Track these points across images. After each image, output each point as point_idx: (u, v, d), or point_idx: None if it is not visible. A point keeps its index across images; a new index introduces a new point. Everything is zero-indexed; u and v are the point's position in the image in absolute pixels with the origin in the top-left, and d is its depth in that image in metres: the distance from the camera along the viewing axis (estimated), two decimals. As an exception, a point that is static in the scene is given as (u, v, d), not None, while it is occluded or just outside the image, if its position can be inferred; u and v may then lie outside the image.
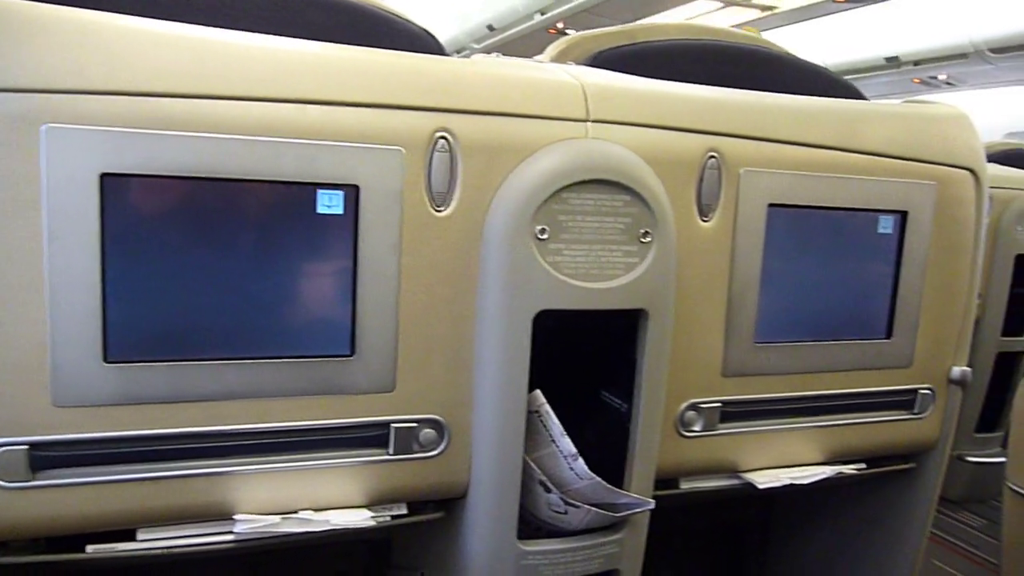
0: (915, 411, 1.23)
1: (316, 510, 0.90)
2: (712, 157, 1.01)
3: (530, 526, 0.99)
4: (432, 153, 0.87)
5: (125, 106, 0.76)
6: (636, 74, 1.06)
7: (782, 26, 5.59)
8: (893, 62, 5.41)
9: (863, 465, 1.24)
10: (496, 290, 0.89)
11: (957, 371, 1.23)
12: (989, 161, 2.82)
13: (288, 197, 0.84)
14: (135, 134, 0.76)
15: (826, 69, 1.34)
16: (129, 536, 0.86)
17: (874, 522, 1.39)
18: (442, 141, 0.87)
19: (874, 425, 1.21)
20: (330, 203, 0.85)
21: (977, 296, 2.52)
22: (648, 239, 0.92)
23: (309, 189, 0.83)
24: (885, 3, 5.26)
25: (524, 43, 5.78)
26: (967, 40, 4.86)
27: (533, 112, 0.92)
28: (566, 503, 0.94)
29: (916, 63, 5.30)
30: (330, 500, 0.91)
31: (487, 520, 0.95)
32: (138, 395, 0.81)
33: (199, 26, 0.82)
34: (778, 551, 1.60)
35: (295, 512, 0.89)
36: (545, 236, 0.88)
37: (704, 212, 1.02)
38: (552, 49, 1.25)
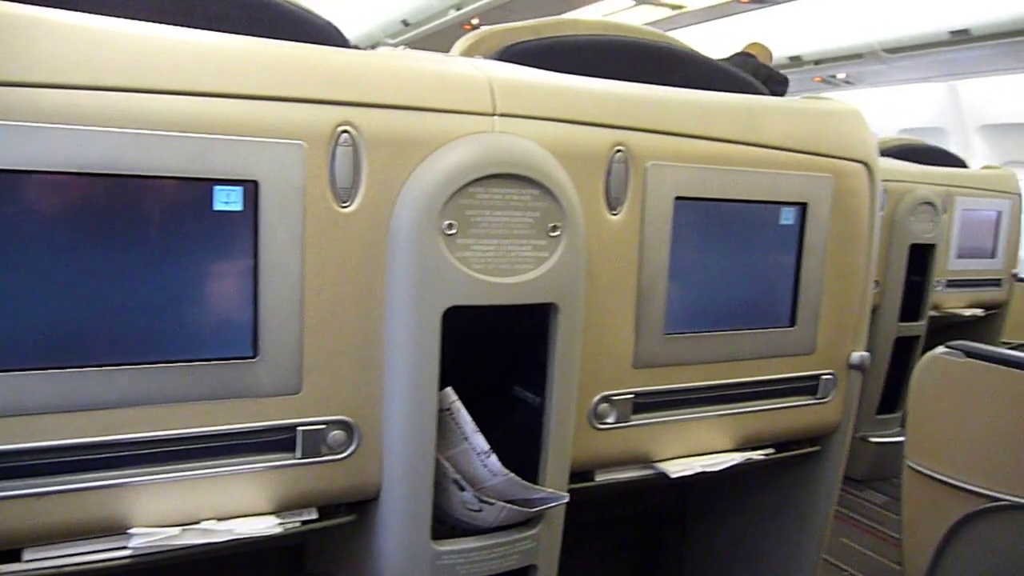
0: (819, 396, 1.27)
1: (220, 519, 0.87)
2: (619, 151, 1.02)
3: (445, 525, 0.97)
4: (335, 147, 0.85)
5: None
6: (545, 69, 1.06)
7: (690, 25, 5.72)
8: (796, 61, 5.62)
9: (771, 450, 1.27)
10: (404, 287, 0.87)
11: (856, 356, 1.28)
12: (884, 156, 2.97)
13: (183, 194, 0.80)
14: (12, 127, 0.71)
15: (728, 66, 1.37)
16: (14, 557, 0.80)
17: (783, 503, 1.44)
18: (345, 135, 0.85)
19: (781, 411, 1.25)
20: (228, 199, 0.81)
21: (875, 284, 2.65)
22: (557, 233, 0.92)
23: (205, 185, 0.80)
24: (788, 5, 5.46)
25: (439, 39, 5.74)
26: (863, 41, 5.09)
27: (439, 106, 0.91)
28: (480, 500, 0.93)
29: (817, 62, 5.52)
30: (235, 508, 0.87)
31: (400, 521, 0.94)
32: (22, 405, 0.76)
33: (86, 14, 0.78)
34: (694, 536, 1.64)
35: (198, 523, 0.85)
36: (453, 231, 0.87)
37: (612, 206, 1.03)
38: (461, 43, 1.24)
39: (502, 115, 0.94)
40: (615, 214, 1.03)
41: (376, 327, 0.89)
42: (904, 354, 2.69)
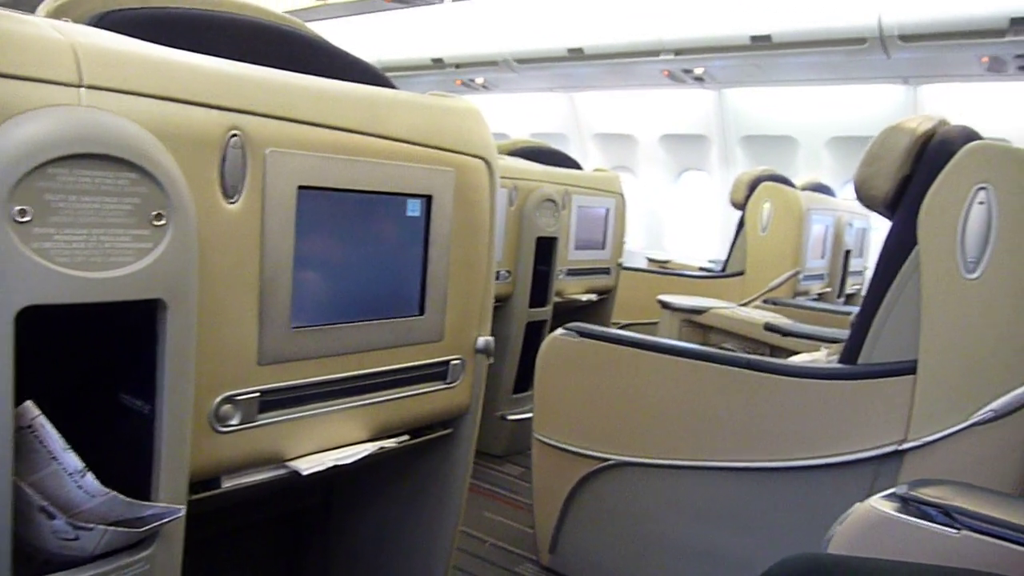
0: (448, 381, 1.33)
1: None
2: (235, 135, 0.95)
3: (35, 561, 0.84)
4: None
5: None
6: (152, 42, 0.95)
7: (334, 18, 5.71)
8: (438, 63, 5.90)
9: (406, 437, 1.30)
10: None
11: (481, 341, 1.36)
12: (515, 155, 3.21)
13: None
14: None
15: (359, 58, 1.37)
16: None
17: (422, 486, 1.48)
18: None
19: (414, 398, 1.28)
20: None
21: (508, 273, 2.86)
22: (163, 222, 0.84)
23: None
24: (431, 8, 5.70)
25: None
26: (497, 50, 5.51)
27: (6, 70, 0.77)
28: (75, 527, 0.81)
29: (457, 66, 5.85)
30: None
31: (-28, 564, 0.78)
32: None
33: None
34: (339, 531, 1.63)
35: None
36: (27, 219, 0.74)
37: (229, 194, 0.96)
38: (47, 5, 1.07)
39: (90, 87, 0.82)
40: (232, 203, 0.97)
41: None
42: (534, 337, 2.94)
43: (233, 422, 1.01)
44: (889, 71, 4.50)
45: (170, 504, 0.89)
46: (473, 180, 1.29)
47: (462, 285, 1.31)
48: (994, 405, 1.45)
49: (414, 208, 1.20)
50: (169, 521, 0.89)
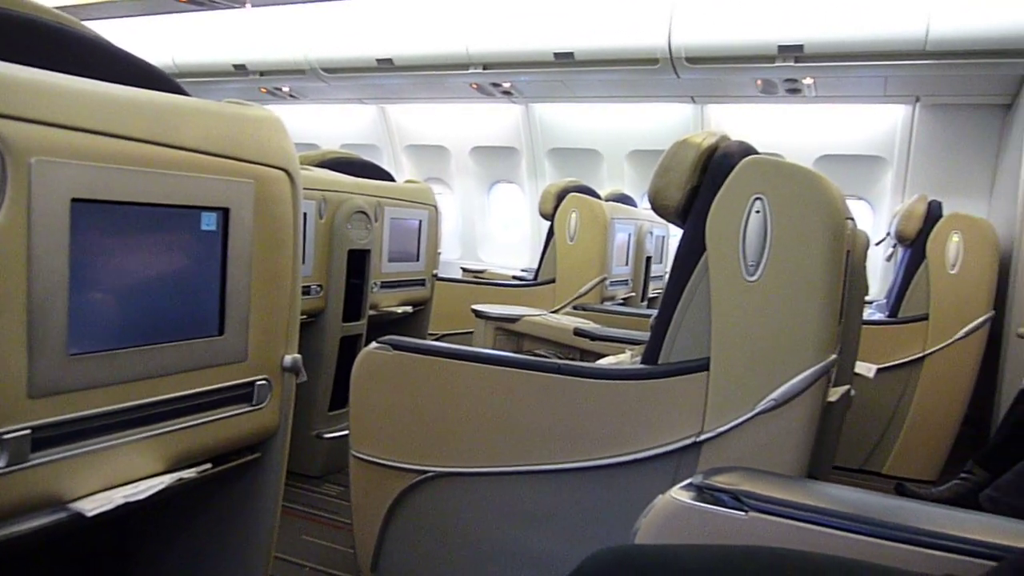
0: (254, 403, 1.26)
1: None
2: None
3: None
4: None
5: None
6: None
7: (120, 17, 5.32)
8: (241, 70, 5.64)
9: (209, 465, 1.22)
10: None
11: (288, 359, 1.31)
12: (325, 167, 3.14)
13: None
14: None
15: (145, 61, 1.28)
16: None
17: (230, 514, 1.40)
18: None
19: (216, 423, 1.21)
20: None
21: (319, 288, 2.78)
22: (-99, 241, 0.73)
23: None
24: (233, 11, 5.44)
25: None
26: (303, 57, 5.35)
27: None
28: None
29: (262, 73, 5.62)
30: None
31: None
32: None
33: None
34: (139, 571, 1.50)
35: None
36: None
37: None
38: None
39: None
40: None
41: None
42: (349, 352, 2.88)
43: (0, 464, 0.90)
44: (679, 90, 4.86)
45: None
46: (274, 192, 1.24)
47: (266, 302, 1.25)
48: (774, 394, 1.59)
49: (209, 222, 1.13)
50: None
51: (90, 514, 1.00)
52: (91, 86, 1.00)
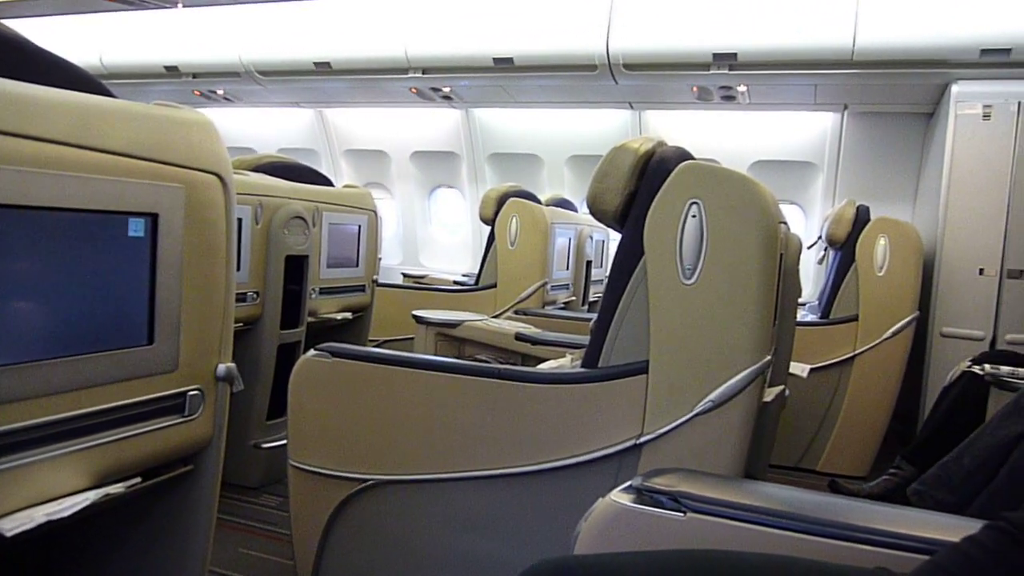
0: (186, 414, 1.23)
1: None
2: None
3: None
4: None
5: None
6: None
7: (42, 15, 5.13)
8: (173, 71, 5.49)
9: (139, 479, 1.18)
10: None
11: (222, 368, 1.27)
12: (261, 171, 3.08)
13: None
14: None
15: (68, 61, 1.23)
16: None
17: (162, 530, 1.36)
18: None
19: (146, 435, 1.17)
20: None
21: (256, 295, 2.72)
22: None
23: None
24: (164, 11, 5.30)
25: None
26: (238, 59, 5.24)
27: None
28: None
29: (195, 75, 5.48)
30: None
31: None
32: None
33: None
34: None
35: None
36: None
37: None
38: None
39: None
40: None
41: None
42: (287, 360, 2.82)
43: (-92, 484, 0.86)
44: (617, 96, 4.91)
45: None
46: (206, 197, 1.20)
47: (198, 310, 1.21)
48: (712, 396, 1.61)
49: (137, 228, 1.09)
50: None
51: (9, 534, 0.95)
52: (10, 86, 0.96)
